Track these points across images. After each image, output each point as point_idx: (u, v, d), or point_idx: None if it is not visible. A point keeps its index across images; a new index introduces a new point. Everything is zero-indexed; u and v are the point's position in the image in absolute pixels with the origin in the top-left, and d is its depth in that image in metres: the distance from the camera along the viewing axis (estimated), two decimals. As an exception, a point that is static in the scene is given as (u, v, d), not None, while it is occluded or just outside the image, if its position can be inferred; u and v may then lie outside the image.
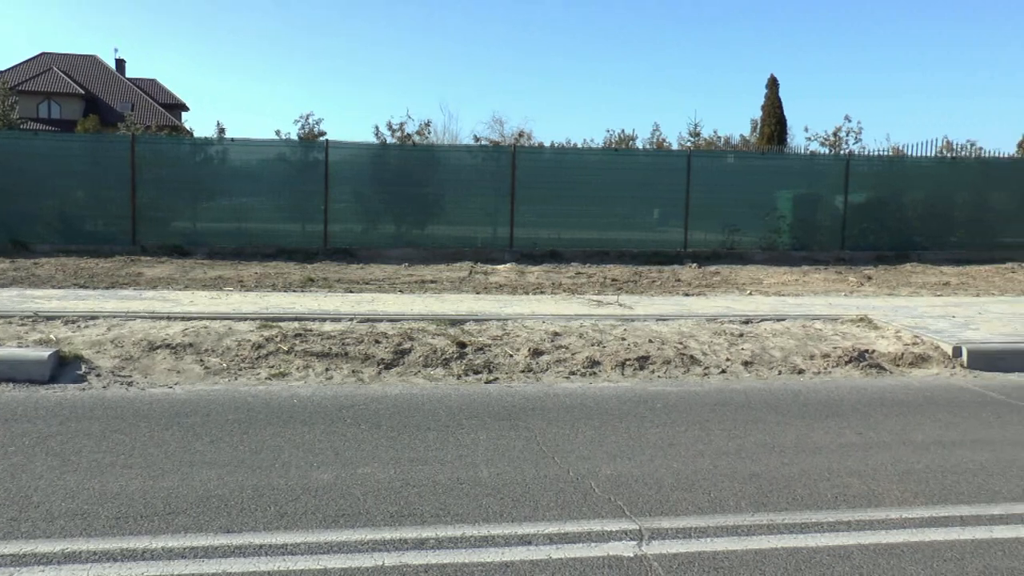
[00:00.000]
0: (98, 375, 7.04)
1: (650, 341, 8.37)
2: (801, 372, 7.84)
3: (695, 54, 79.01)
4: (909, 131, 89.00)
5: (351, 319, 8.99)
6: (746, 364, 7.94)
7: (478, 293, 12.09)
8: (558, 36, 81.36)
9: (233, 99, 75.44)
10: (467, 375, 7.41)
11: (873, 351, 8.32)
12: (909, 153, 23.25)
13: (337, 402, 6.42)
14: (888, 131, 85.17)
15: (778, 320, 9.64)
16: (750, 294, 12.61)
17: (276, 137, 20.47)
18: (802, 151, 25.44)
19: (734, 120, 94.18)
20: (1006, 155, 23.66)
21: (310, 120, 22.57)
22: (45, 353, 7.05)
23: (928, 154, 22.98)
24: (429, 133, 23.69)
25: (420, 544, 3.84)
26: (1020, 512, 4.38)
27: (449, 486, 4.60)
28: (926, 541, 4.00)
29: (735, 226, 19.07)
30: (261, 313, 9.21)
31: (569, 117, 74.50)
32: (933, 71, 73.50)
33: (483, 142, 24.33)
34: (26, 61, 53.11)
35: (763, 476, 4.87)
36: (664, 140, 27.13)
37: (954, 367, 8.08)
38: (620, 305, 10.77)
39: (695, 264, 17.12)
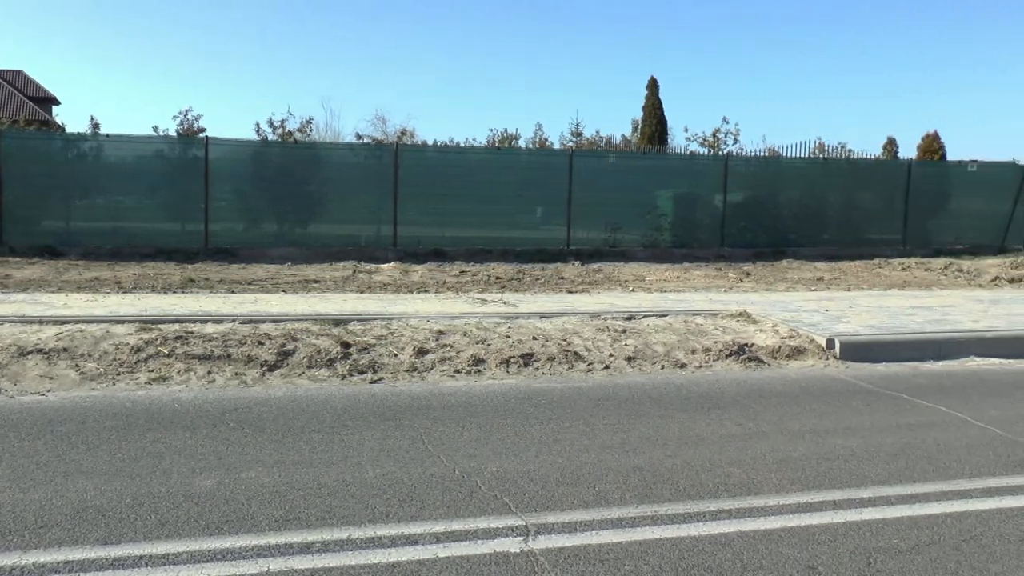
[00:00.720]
0: (-48, 384, 6.50)
1: (534, 338, 8.37)
2: (683, 366, 8.00)
3: (577, 55, 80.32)
4: (784, 133, 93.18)
5: (234, 320, 8.65)
6: (629, 360, 8.03)
7: (362, 292, 11.90)
8: (441, 35, 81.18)
9: (109, 94, 71.83)
10: (352, 375, 7.23)
11: (752, 345, 8.57)
12: (785, 154, 24.32)
13: (220, 406, 6.16)
14: (764, 132, 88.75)
15: (660, 316, 9.82)
16: (633, 291, 12.84)
17: (154, 133, 19.64)
18: (682, 151, 26.16)
19: (616, 121, 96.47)
20: (872, 156, 25.05)
21: (189, 116, 21.68)
22: None
23: (802, 155, 24.08)
24: (311, 130, 23.16)
25: (306, 548, 3.72)
26: (887, 494, 4.57)
27: (335, 488, 4.47)
28: (802, 526, 4.11)
29: (617, 224, 19.41)
30: (140, 315, 8.80)
31: (453, 116, 74.38)
32: (812, 75, 77.14)
33: (366, 140, 23.92)
34: None
35: (647, 469, 4.91)
36: (547, 140, 27.29)
37: (828, 359, 8.41)
38: (504, 303, 10.75)
39: (578, 262, 17.31)
